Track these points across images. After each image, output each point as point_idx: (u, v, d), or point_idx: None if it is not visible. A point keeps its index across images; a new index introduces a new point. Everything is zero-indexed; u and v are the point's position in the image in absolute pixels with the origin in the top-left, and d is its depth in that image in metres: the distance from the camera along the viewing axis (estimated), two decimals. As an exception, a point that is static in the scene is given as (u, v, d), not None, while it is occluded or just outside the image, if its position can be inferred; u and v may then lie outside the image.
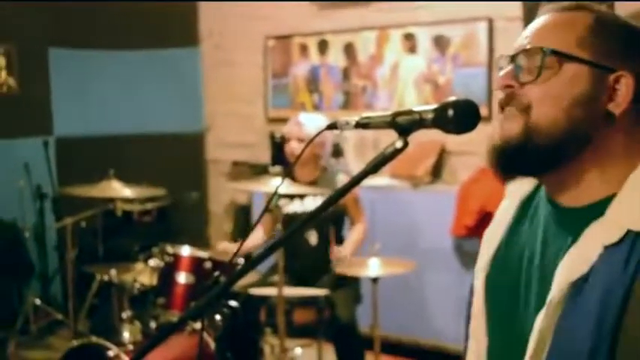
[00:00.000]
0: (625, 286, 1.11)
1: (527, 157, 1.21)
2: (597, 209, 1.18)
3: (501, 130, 1.24)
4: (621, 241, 1.15)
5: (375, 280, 3.49)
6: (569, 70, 1.19)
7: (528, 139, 1.20)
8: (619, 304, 1.11)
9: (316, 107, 5.55)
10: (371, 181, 4.62)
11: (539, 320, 1.19)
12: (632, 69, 1.18)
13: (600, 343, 1.12)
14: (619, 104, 1.18)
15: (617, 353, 1.11)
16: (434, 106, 1.15)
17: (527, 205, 1.36)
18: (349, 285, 3.95)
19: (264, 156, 5.69)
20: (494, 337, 1.34)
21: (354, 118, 1.26)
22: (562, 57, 1.19)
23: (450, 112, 1.13)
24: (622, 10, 3.30)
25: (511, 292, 1.30)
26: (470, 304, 1.41)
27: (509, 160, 1.23)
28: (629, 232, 1.14)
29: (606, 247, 1.16)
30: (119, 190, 4.23)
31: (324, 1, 5.45)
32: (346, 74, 5.42)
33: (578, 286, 1.17)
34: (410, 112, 1.18)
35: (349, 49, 5.38)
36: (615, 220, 1.16)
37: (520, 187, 1.38)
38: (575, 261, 1.18)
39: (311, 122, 3.97)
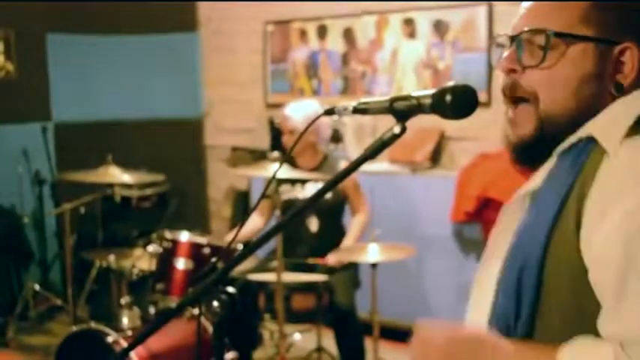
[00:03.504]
0: (565, 187, 1.11)
1: (546, 148, 1.21)
2: None
3: (515, 129, 1.24)
4: (573, 147, 1.16)
5: (374, 266, 3.49)
6: (574, 50, 1.18)
7: (544, 132, 1.20)
8: (557, 207, 1.11)
9: (315, 93, 5.54)
10: (370, 166, 4.60)
11: (494, 229, 1.26)
12: (636, 39, 1.17)
13: (533, 250, 1.12)
14: (626, 75, 1.18)
15: (547, 262, 1.11)
16: (432, 91, 1.15)
17: None
18: (348, 270, 3.95)
19: (263, 141, 5.68)
20: None
21: (351, 103, 1.26)
22: (566, 38, 1.17)
23: (448, 98, 1.12)
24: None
25: None
26: None
27: (530, 155, 1.24)
28: (581, 139, 1.15)
29: (559, 155, 1.18)
30: (118, 175, 4.22)
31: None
32: (345, 59, 5.40)
33: (534, 197, 1.20)
34: (408, 98, 1.17)
35: (348, 34, 5.36)
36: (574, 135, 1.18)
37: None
38: (536, 176, 1.22)
39: (298, 113, 3.99)
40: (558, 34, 1.17)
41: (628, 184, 1.05)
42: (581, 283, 1.07)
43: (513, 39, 1.23)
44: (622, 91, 1.17)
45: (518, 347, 1.10)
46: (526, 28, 1.20)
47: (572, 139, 1.17)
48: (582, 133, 1.16)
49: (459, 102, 1.13)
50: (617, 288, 1.02)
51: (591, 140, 1.13)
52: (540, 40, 1.18)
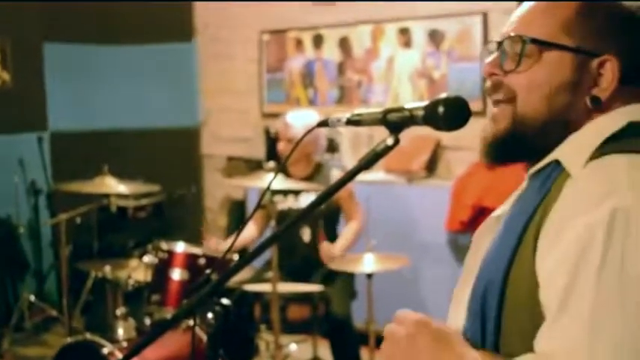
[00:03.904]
0: (530, 211, 1.13)
1: (515, 147, 1.23)
2: None
3: (492, 127, 1.25)
4: (543, 169, 1.18)
5: (369, 276, 3.49)
6: (550, 57, 1.19)
7: (515, 130, 1.21)
8: (519, 231, 1.13)
9: (311, 102, 5.54)
10: (366, 176, 4.60)
11: (468, 252, 1.30)
12: (617, 52, 1.17)
13: (495, 275, 1.14)
14: (604, 89, 1.17)
15: (508, 287, 1.12)
16: (424, 103, 1.15)
17: None
18: (343, 280, 3.94)
19: (259, 151, 5.67)
20: None
21: (345, 115, 1.26)
22: (542, 45, 1.19)
23: (441, 110, 1.13)
24: None
25: None
26: None
27: (499, 151, 1.25)
28: (551, 162, 1.17)
29: (530, 178, 1.21)
30: (114, 186, 4.22)
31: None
32: (341, 69, 5.41)
33: (504, 219, 1.22)
34: (401, 110, 1.18)
35: (344, 44, 5.37)
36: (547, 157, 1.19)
37: None
38: (508, 199, 1.25)
39: (299, 121, 3.98)
40: (534, 41, 1.18)
41: (580, 207, 1.06)
42: (538, 307, 1.08)
43: (499, 45, 1.24)
44: (599, 104, 1.17)
45: (481, 355, 1.11)
46: (512, 34, 1.22)
47: (542, 162, 1.19)
48: (552, 157, 1.17)
49: (452, 114, 1.13)
50: (556, 310, 1.03)
51: (559, 164, 1.15)
52: (518, 46, 1.19)
